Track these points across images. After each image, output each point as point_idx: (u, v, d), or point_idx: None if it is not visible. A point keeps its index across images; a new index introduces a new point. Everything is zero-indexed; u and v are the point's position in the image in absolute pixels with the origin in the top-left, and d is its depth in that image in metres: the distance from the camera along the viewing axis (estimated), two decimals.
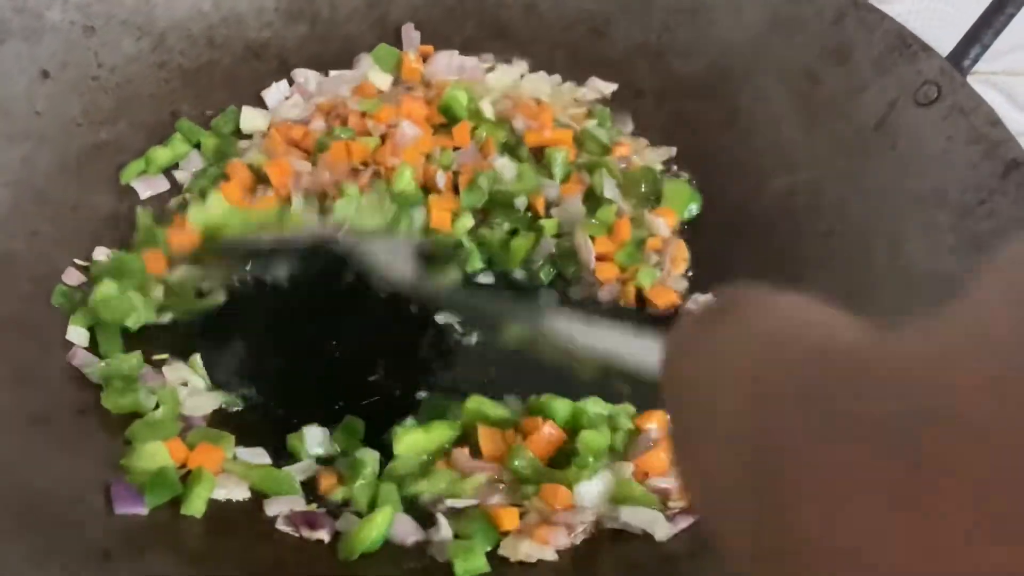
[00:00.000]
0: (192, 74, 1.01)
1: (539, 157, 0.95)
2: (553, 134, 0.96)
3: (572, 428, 0.72)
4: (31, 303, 0.80)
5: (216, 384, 0.77)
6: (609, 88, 1.06)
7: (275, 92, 1.02)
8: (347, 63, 1.07)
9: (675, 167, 1.00)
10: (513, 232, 0.89)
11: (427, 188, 0.91)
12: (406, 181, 0.87)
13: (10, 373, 0.74)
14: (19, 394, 0.73)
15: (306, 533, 0.66)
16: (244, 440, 0.73)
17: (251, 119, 0.99)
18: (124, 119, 0.96)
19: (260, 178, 0.90)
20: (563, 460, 0.71)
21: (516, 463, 0.68)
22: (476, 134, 0.94)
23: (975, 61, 0.90)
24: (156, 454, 0.68)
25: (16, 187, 0.86)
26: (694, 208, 0.94)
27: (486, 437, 0.71)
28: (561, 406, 0.72)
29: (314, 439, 0.72)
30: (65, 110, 0.92)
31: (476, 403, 0.73)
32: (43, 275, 0.83)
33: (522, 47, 1.10)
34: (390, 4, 1.09)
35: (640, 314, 0.86)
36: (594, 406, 0.73)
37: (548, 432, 0.70)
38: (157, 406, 0.73)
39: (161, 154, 0.93)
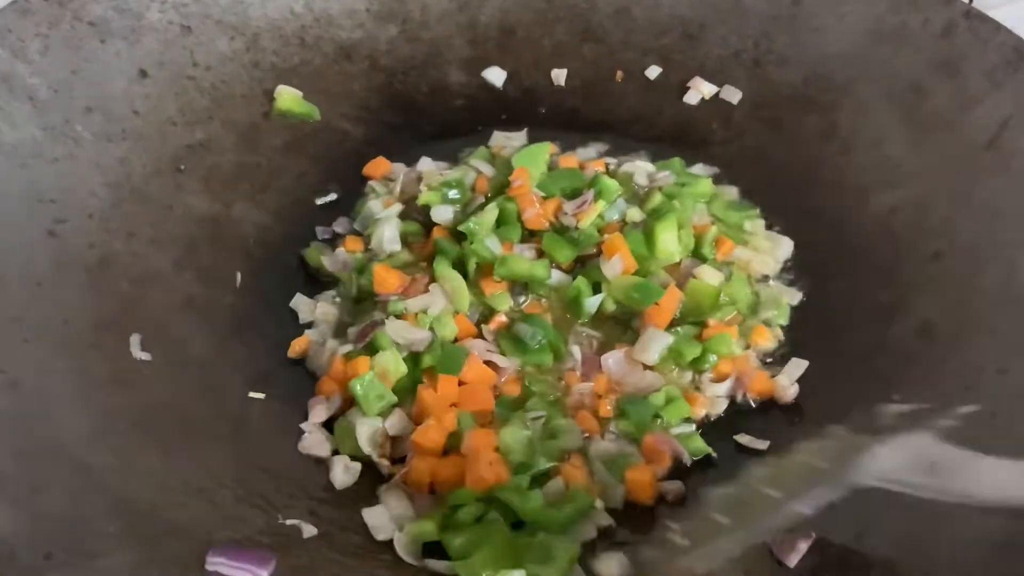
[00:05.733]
0: (285, 74, 1.01)
1: None
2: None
3: None
4: (129, 304, 0.81)
5: None
6: (711, 90, 1.03)
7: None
8: (436, 65, 1.07)
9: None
10: None
11: None
12: None
13: (109, 375, 0.75)
14: (118, 396, 0.74)
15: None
16: None
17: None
18: (218, 119, 0.96)
19: None
20: None
21: None
22: None
23: None
24: None
25: (115, 187, 0.87)
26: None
27: None
28: None
29: None
30: (162, 109, 0.93)
31: None
32: (140, 275, 0.83)
33: (613, 52, 1.08)
34: (480, 7, 1.08)
35: None
36: None
37: None
38: None
39: None
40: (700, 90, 1.04)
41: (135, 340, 0.78)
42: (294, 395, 0.80)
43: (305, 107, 1.01)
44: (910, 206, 0.90)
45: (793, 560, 0.66)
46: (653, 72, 1.06)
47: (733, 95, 1.03)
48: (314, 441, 0.76)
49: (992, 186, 0.87)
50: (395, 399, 0.77)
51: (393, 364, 0.78)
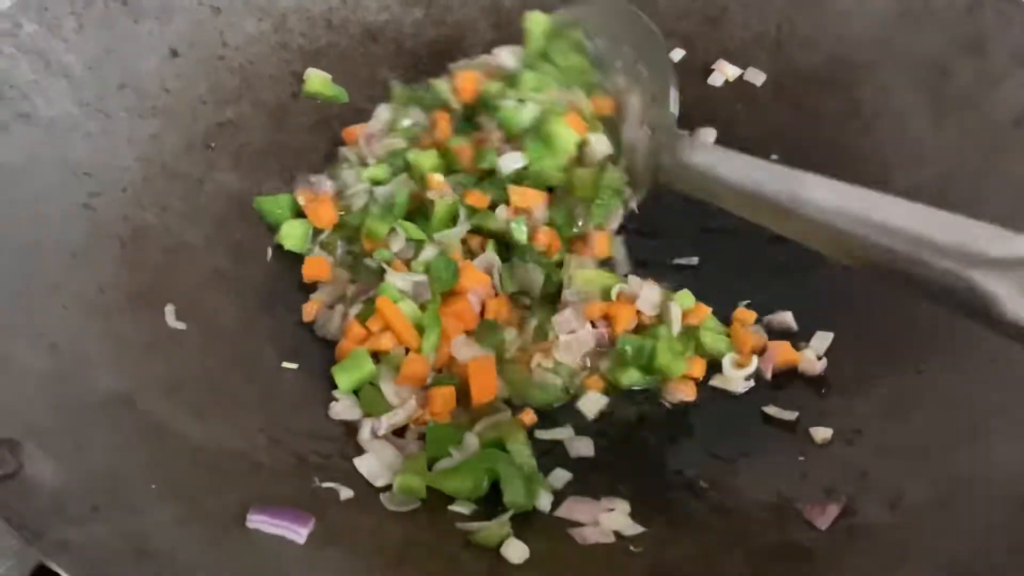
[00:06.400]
0: (312, 55, 1.03)
1: None
2: None
3: None
4: (162, 275, 0.82)
5: None
6: (735, 72, 1.04)
7: None
8: (461, 48, 1.08)
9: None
10: None
11: None
12: None
13: (143, 341, 0.76)
14: (152, 362, 0.75)
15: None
16: None
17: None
18: (247, 99, 0.97)
19: None
20: None
21: None
22: None
23: None
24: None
25: (147, 162, 0.88)
26: None
27: None
28: None
29: None
30: (192, 88, 0.94)
31: None
32: (172, 247, 0.85)
33: None
34: None
35: None
36: None
37: None
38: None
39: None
40: (724, 72, 1.05)
41: (170, 310, 0.79)
42: (325, 366, 0.80)
43: (334, 89, 1.02)
44: (934, 184, 0.91)
45: (824, 523, 0.67)
46: (677, 55, 1.07)
47: (757, 77, 1.04)
48: (344, 406, 0.77)
49: (1017, 164, 0.87)
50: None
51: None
